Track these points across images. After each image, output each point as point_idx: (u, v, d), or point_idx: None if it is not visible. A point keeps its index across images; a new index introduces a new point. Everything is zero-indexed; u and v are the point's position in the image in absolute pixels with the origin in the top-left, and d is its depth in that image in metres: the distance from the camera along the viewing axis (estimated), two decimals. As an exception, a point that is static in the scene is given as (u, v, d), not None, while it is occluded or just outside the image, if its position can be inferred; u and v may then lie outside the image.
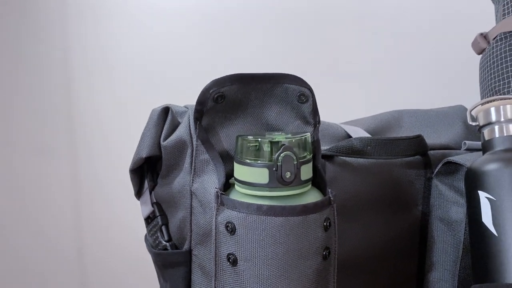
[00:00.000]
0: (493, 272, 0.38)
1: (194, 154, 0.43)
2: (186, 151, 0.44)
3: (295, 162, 0.37)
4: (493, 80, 0.49)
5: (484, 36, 0.54)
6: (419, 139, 0.50)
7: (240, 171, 0.38)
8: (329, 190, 0.40)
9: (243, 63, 0.87)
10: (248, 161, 0.38)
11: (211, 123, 0.42)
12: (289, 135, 0.38)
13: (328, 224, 0.38)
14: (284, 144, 0.37)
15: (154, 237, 0.48)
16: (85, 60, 0.99)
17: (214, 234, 0.38)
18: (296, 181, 0.37)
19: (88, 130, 0.99)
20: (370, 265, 0.52)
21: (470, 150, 0.52)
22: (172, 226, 0.47)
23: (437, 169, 0.51)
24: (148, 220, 0.50)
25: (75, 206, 1.01)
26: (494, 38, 0.51)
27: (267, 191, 0.37)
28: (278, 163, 0.36)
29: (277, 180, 0.36)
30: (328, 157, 0.48)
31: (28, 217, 1.01)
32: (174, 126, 0.46)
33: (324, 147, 0.49)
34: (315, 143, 0.43)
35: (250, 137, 0.38)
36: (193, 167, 0.43)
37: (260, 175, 0.37)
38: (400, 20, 0.81)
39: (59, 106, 1.01)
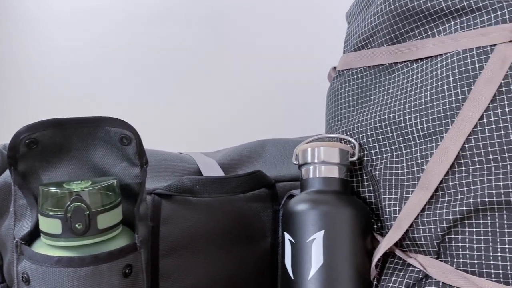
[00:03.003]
0: (292, 313, 0.39)
1: (13, 198, 0.43)
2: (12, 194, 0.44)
3: (87, 213, 0.37)
4: (329, 116, 0.51)
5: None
6: (254, 175, 0.51)
7: (41, 221, 0.38)
8: (136, 236, 0.40)
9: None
10: (45, 211, 0.38)
11: (31, 168, 0.42)
12: (89, 184, 0.39)
13: (129, 271, 0.39)
14: (77, 195, 0.37)
15: (-10, 277, 0.48)
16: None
17: (16, 283, 0.39)
18: (91, 231, 0.37)
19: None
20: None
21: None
22: (5, 267, 0.47)
23: (282, 202, 0.52)
24: (-13, 259, 0.49)
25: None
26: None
27: (62, 241, 0.37)
28: (68, 215, 0.37)
29: (70, 231, 0.37)
30: (166, 195, 0.49)
31: None
32: (5, 167, 0.46)
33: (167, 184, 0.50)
34: (141, 185, 0.44)
35: (49, 188, 0.38)
36: (14, 212, 0.43)
37: (54, 226, 0.37)
38: (268, 47, 0.82)
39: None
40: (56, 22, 0.91)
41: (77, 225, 0.37)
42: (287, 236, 0.41)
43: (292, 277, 0.40)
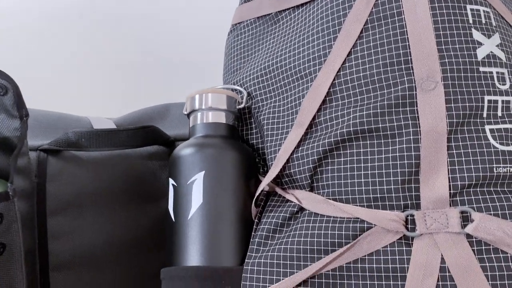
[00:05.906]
0: (175, 256, 0.39)
1: None
2: None
3: None
4: (225, 70, 0.51)
5: None
6: (146, 129, 0.50)
7: None
8: (9, 185, 0.39)
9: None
10: None
11: None
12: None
13: (-1, 219, 0.37)
14: None
15: None
16: None
17: None
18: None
19: None
20: (120, 258, 0.52)
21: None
22: None
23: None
24: None
25: None
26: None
27: None
28: None
29: None
30: (54, 151, 0.47)
31: None
32: None
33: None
34: (21, 138, 0.42)
35: None
36: None
37: None
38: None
39: None
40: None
41: None
42: (171, 181, 0.41)
43: (174, 220, 0.40)
